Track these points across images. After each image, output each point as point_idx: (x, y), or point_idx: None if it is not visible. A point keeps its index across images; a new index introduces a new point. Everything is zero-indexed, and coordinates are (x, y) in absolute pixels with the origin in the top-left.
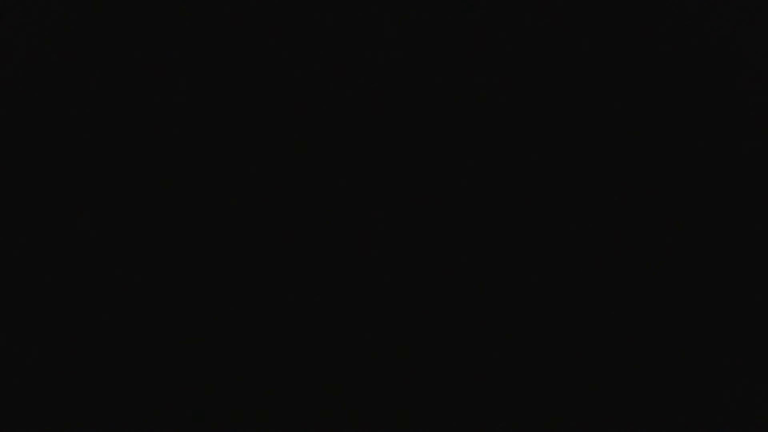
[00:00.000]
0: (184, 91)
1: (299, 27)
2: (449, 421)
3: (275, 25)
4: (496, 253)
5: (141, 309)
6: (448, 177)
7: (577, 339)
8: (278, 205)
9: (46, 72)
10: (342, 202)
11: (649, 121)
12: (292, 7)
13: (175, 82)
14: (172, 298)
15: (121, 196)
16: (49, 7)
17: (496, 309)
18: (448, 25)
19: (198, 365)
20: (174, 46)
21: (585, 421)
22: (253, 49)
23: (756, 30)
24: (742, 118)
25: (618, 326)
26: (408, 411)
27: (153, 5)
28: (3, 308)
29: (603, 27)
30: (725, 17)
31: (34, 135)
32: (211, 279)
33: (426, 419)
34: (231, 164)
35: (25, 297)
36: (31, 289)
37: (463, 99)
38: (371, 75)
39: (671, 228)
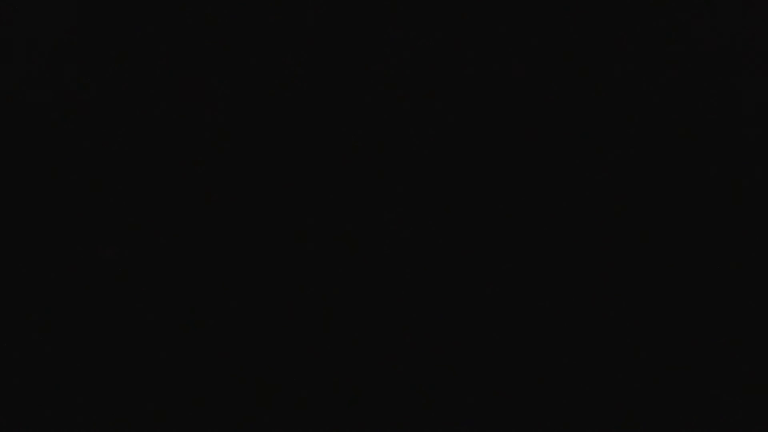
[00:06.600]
0: (185, 92)
1: (299, 27)
2: (449, 420)
3: (275, 24)
4: (496, 252)
5: (141, 308)
6: (448, 177)
7: (577, 339)
8: (278, 205)
9: (46, 72)
10: (341, 202)
11: (648, 121)
12: (293, 7)
13: (175, 82)
14: (172, 298)
15: (119, 196)
16: (49, 7)
17: (496, 309)
18: (448, 26)
19: (198, 365)
20: (174, 47)
21: (585, 421)
22: (253, 49)
23: (756, 30)
24: (741, 118)
25: (618, 326)
26: (408, 410)
27: (153, 5)
28: (3, 308)
29: (603, 26)
30: (725, 17)
31: (33, 135)
32: (211, 279)
33: (426, 419)
34: (231, 164)
35: (25, 297)
36: (31, 288)
37: (463, 99)
38: (371, 75)
39: (670, 228)
